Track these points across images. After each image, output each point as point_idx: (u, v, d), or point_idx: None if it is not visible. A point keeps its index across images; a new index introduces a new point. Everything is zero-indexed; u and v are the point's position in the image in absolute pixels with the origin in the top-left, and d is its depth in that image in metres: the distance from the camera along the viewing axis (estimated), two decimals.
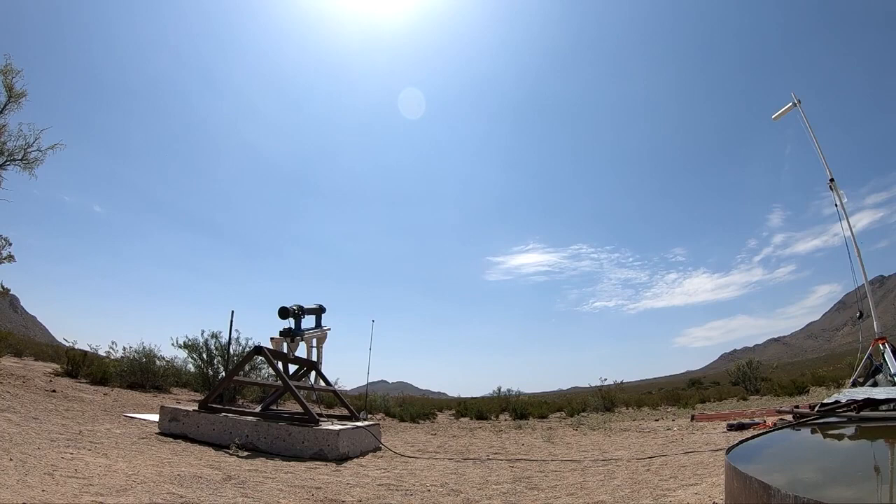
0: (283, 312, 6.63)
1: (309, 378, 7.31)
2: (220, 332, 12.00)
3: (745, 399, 15.63)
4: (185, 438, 5.18)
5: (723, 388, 22.40)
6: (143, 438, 4.84)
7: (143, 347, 11.79)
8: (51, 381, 8.85)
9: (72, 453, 3.44)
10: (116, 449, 3.94)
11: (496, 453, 5.80)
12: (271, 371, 8.44)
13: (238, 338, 11.51)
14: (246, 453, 4.73)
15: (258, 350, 6.24)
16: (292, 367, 6.97)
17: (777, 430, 3.03)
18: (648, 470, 4.12)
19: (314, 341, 7.30)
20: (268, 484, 3.35)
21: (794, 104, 7.62)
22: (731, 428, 6.71)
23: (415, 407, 13.89)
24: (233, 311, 9.05)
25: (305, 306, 7.11)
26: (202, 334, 12.03)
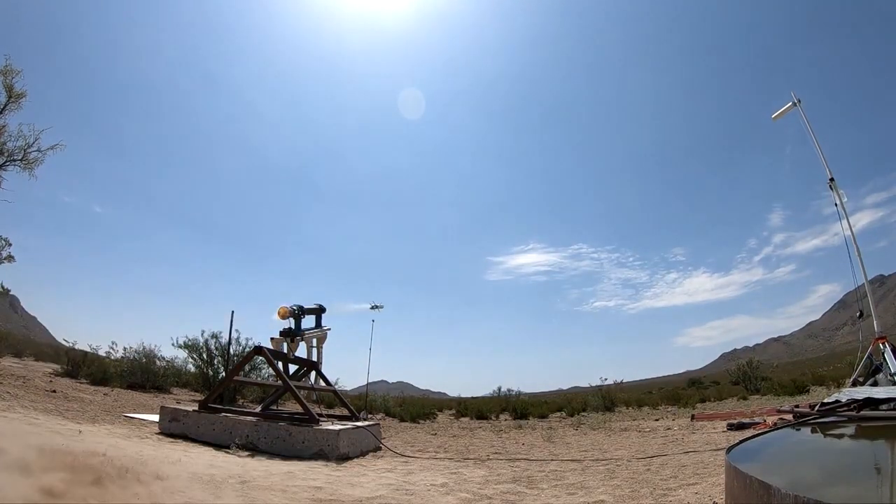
0: (283, 312, 6.64)
1: (309, 378, 7.32)
2: (221, 333, 12.02)
3: (745, 399, 15.61)
4: (186, 438, 5.18)
5: (723, 387, 22.38)
6: (144, 439, 4.84)
7: (144, 347, 11.83)
8: (51, 381, 8.86)
9: None
10: (116, 448, 3.93)
11: (496, 453, 5.80)
12: (271, 371, 8.44)
13: (238, 338, 11.53)
14: (246, 453, 4.73)
15: (258, 350, 6.24)
16: (292, 368, 6.97)
17: (777, 429, 3.03)
18: (648, 470, 4.12)
19: (314, 341, 7.30)
20: (266, 484, 3.35)
21: (794, 104, 7.62)
22: (731, 428, 6.70)
23: (415, 407, 13.89)
24: (233, 311, 9.05)
25: (305, 306, 7.11)
26: (202, 334, 12.06)
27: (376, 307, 9.78)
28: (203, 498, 2.80)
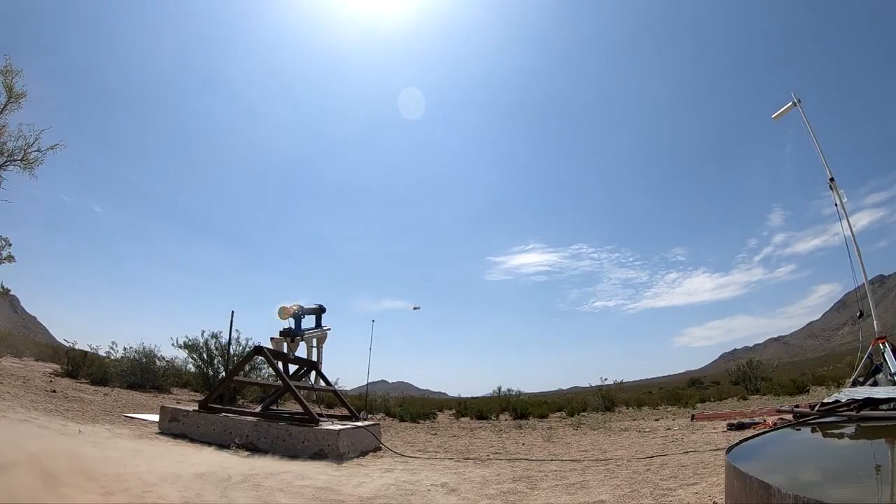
0: (283, 312, 6.64)
1: (309, 378, 7.32)
2: (221, 333, 12.02)
3: (745, 399, 15.60)
4: (186, 438, 5.18)
5: (723, 387, 22.34)
6: (144, 439, 4.85)
7: (144, 347, 11.80)
8: (51, 381, 8.86)
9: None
10: (115, 449, 3.94)
11: (496, 453, 5.80)
12: (271, 371, 8.45)
13: (238, 338, 11.53)
14: (246, 453, 4.74)
15: (258, 350, 6.24)
16: (292, 367, 6.97)
17: (777, 429, 3.03)
18: (648, 469, 4.12)
19: (314, 341, 7.30)
20: (268, 484, 3.35)
21: (794, 104, 7.61)
22: (731, 427, 6.70)
23: (415, 407, 13.88)
24: (233, 311, 9.07)
25: (305, 306, 7.11)
26: (202, 334, 12.06)
27: (416, 308, 10.05)
28: (213, 497, 2.81)
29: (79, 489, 2.48)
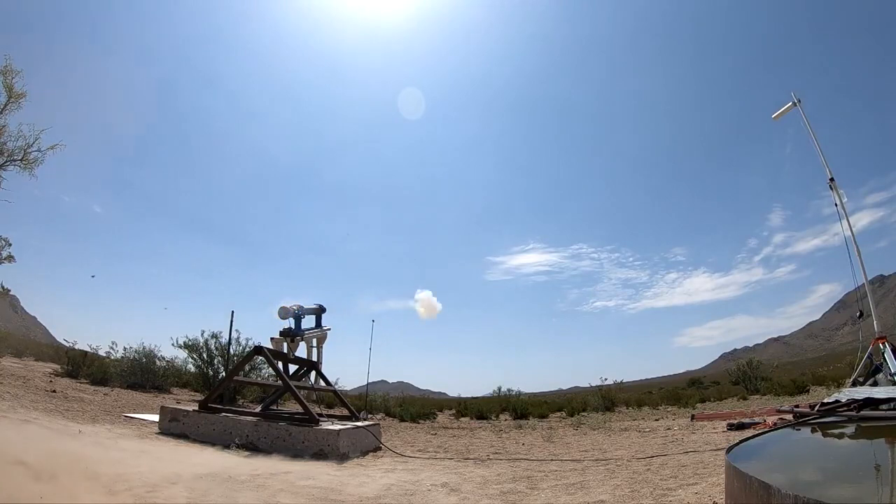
0: (283, 312, 6.64)
1: (309, 378, 7.32)
2: (221, 333, 12.02)
3: (745, 399, 15.60)
4: (186, 438, 5.19)
5: (723, 387, 22.34)
6: (144, 439, 4.85)
7: (144, 347, 11.79)
8: (51, 381, 8.86)
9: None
10: (117, 450, 3.94)
11: (496, 453, 5.80)
12: (271, 371, 8.45)
13: (238, 338, 11.53)
14: (246, 453, 4.74)
15: (258, 350, 6.24)
16: (292, 367, 6.98)
17: (777, 429, 3.04)
18: (648, 469, 4.12)
19: (314, 341, 7.30)
20: (269, 484, 3.36)
21: (794, 104, 7.61)
22: (731, 427, 6.71)
23: (415, 407, 13.88)
24: (233, 312, 9.08)
25: (305, 306, 7.12)
26: (202, 334, 12.06)
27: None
28: (218, 497, 2.81)
29: (81, 489, 2.48)
